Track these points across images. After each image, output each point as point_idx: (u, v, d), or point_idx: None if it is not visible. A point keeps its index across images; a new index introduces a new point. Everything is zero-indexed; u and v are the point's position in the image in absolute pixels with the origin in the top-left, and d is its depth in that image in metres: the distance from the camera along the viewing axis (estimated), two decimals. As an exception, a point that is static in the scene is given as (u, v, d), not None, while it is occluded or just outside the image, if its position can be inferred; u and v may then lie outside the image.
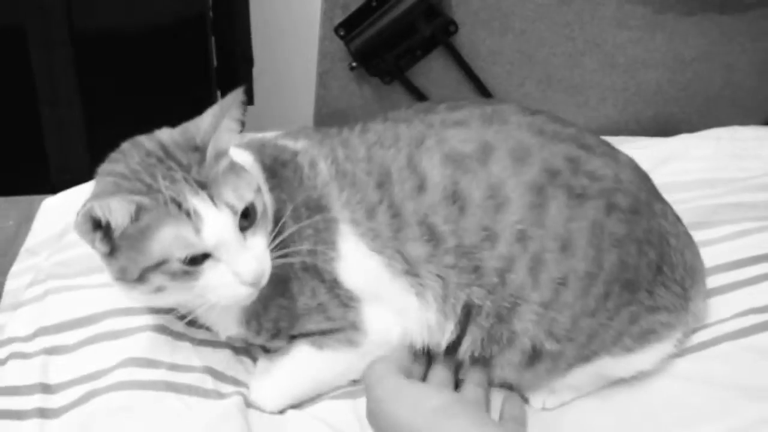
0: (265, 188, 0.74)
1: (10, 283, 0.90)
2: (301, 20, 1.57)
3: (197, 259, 0.66)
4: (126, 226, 0.65)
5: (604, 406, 0.78)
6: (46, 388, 0.76)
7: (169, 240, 0.65)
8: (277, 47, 1.74)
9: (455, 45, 1.18)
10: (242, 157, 0.76)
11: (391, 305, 0.75)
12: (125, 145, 0.71)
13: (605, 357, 0.75)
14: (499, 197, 0.71)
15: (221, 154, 0.69)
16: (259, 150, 0.79)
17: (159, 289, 0.68)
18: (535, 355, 0.73)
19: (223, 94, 1.63)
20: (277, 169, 0.77)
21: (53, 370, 0.77)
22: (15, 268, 0.92)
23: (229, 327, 0.78)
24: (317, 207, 0.75)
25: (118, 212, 0.65)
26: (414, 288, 0.74)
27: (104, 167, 0.70)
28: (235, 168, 0.70)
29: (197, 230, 0.65)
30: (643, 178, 0.78)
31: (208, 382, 0.77)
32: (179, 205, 0.65)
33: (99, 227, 0.66)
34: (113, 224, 0.65)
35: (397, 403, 0.69)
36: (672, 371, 0.80)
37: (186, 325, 0.81)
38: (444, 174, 0.72)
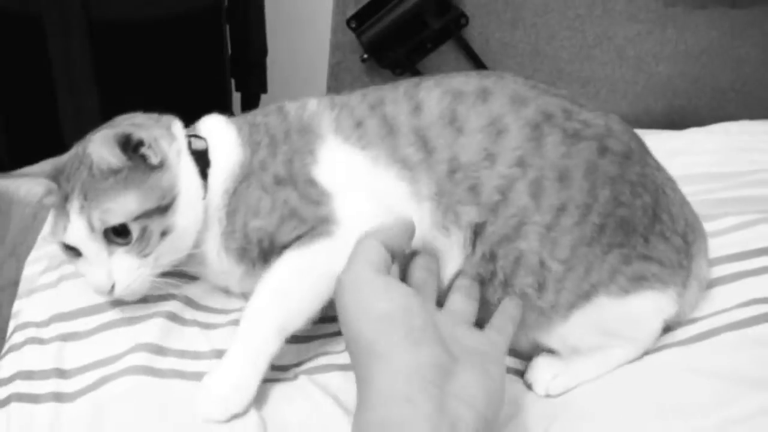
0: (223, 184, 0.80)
1: (27, 270, 0.92)
2: (314, 12, 1.59)
3: (73, 249, 0.77)
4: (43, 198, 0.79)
5: (604, 395, 0.78)
6: (61, 373, 0.78)
7: (54, 226, 0.78)
8: (290, 37, 1.76)
9: (466, 37, 1.19)
10: (228, 133, 0.82)
11: (372, 195, 0.77)
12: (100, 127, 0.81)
13: (602, 296, 0.76)
14: (499, 125, 0.75)
15: (108, 173, 0.75)
16: (244, 118, 0.84)
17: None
18: (540, 280, 0.75)
19: (237, 83, 1.66)
20: (257, 121, 0.82)
21: (68, 355, 0.79)
22: (32, 255, 0.94)
23: (232, 273, 0.82)
24: (300, 130, 0.80)
25: (37, 187, 0.79)
26: (404, 179, 0.76)
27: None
28: (121, 188, 0.76)
29: (65, 227, 0.76)
30: (634, 135, 0.81)
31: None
32: (66, 201, 0.76)
33: None
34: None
35: (353, 306, 0.65)
36: (674, 360, 0.80)
37: (194, 310, 0.84)
38: (442, 102, 0.77)
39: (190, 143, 0.81)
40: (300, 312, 0.76)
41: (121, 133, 0.74)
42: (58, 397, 0.76)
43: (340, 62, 1.23)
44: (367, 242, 0.69)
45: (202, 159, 0.81)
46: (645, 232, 0.76)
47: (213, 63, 1.59)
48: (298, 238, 0.77)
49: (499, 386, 0.66)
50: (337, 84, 1.25)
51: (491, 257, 0.76)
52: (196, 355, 0.80)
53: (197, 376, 0.77)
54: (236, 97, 1.68)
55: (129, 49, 1.45)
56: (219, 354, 0.79)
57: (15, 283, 0.91)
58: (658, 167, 0.81)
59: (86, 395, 0.76)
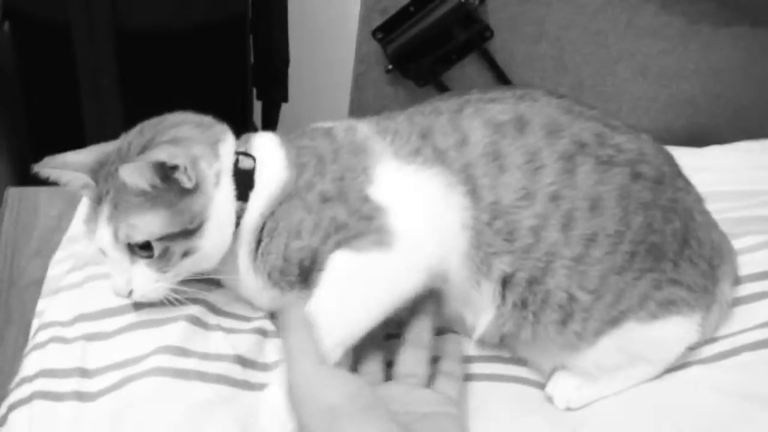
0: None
1: (52, 270, 0.93)
2: (338, 23, 1.60)
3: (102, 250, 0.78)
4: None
5: (623, 410, 0.79)
6: (83, 373, 0.79)
7: (88, 218, 0.79)
8: (312, 48, 1.77)
9: (490, 50, 1.20)
10: (277, 154, 0.80)
11: (427, 218, 0.75)
12: (152, 121, 0.82)
13: (632, 321, 0.76)
14: (536, 162, 0.74)
15: (139, 192, 0.75)
16: (291, 141, 0.82)
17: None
18: (568, 312, 0.75)
19: (259, 92, 1.67)
20: (304, 144, 0.80)
21: (91, 355, 0.80)
22: (57, 255, 0.95)
23: (262, 293, 0.81)
24: (351, 151, 0.78)
25: (74, 179, 0.80)
26: (456, 218, 0.75)
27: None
28: (149, 207, 0.75)
29: (95, 229, 0.77)
30: (667, 156, 0.81)
31: (237, 372, 0.79)
32: (98, 203, 0.77)
33: None
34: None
35: (303, 402, 0.66)
36: (693, 379, 0.81)
37: (218, 316, 0.84)
38: (485, 134, 0.76)
39: (237, 160, 0.80)
40: (358, 322, 0.73)
41: (155, 161, 0.73)
42: (81, 396, 0.77)
43: (365, 73, 1.24)
44: (299, 335, 0.70)
45: (246, 179, 0.79)
46: (675, 257, 0.76)
47: (236, 72, 1.60)
48: (345, 240, 0.74)
49: None
50: (360, 95, 1.26)
51: (522, 305, 0.76)
52: (218, 358, 0.80)
53: (218, 379, 0.78)
54: (257, 106, 1.69)
55: (153, 58, 1.46)
56: (241, 359, 0.80)
57: (39, 282, 0.92)
58: (688, 189, 0.81)
59: (108, 395, 0.77)
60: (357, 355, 0.76)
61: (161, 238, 0.75)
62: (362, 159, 0.77)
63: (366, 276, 0.74)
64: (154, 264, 0.77)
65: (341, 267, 0.74)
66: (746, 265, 0.89)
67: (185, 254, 0.77)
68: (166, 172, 0.74)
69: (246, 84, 1.64)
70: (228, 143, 0.81)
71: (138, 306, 0.83)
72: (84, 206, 0.85)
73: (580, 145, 0.75)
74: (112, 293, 0.80)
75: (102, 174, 0.78)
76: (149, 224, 0.75)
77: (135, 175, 0.74)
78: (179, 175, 0.75)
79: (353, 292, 0.74)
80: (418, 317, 0.78)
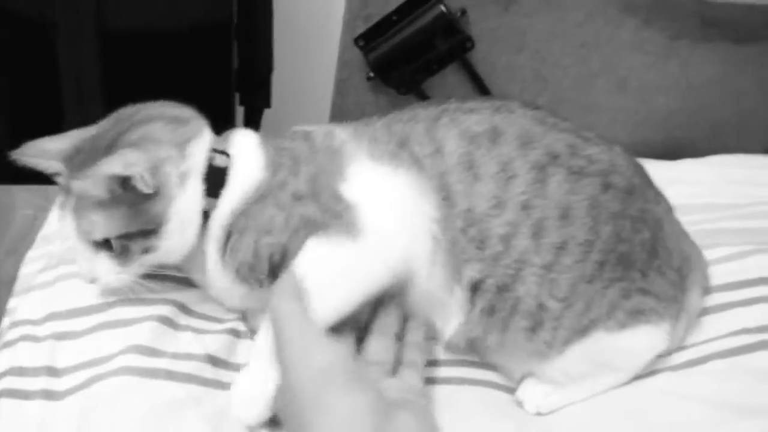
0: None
1: (25, 269, 0.92)
2: (322, 29, 1.60)
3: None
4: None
5: (593, 417, 0.79)
6: (52, 372, 0.78)
7: (59, 207, 0.80)
8: (296, 54, 1.77)
9: (471, 61, 1.20)
10: (255, 154, 0.80)
11: (397, 217, 0.76)
12: (128, 110, 0.83)
13: (600, 330, 0.77)
14: (509, 171, 0.75)
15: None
16: (270, 141, 0.82)
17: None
18: (538, 320, 0.76)
19: (242, 97, 1.67)
20: (284, 146, 0.80)
21: (60, 354, 0.80)
22: (30, 254, 0.94)
23: (232, 291, 0.81)
24: (327, 154, 0.79)
25: (50, 167, 0.81)
26: (426, 222, 0.76)
27: None
28: (108, 206, 0.76)
29: (62, 218, 0.78)
30: (638, 167, 0.82)
31: (208, 371, 0.79)
32: (66, 193, 0.78)
33: None
34: None
35: (295, 360, 0.68)
36: (662, 386, 0.82)
37: (188, 316, 0.84)
38: (460, 145, 0.77)
39: (211, 157, 0.79)
40: (323, 309, 0.73)
41: (109, 174, 0.74)
42: (49, 394, 0.76)
43: (346, 79, 1.25)
44: (294, 301, 0.71)
45: (219, 177, 0.79)
46: (643, 267, 0.77)
47: (219, 77, 1.60)
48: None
49: (431, 423, 0.68)
50: (342, 101, 1.26)
51: (490, 311, 0.77)
52: (188, 357, 0.80)
53: (188, 378, 0.78)
54: (240, 111, 1.69)
55: (137, 61, 1.46)
56: (212, 358, 0.80)
57: (12, 280, 0.92)
58: (658, 200, 0.82)
59: (75, 394, 0.76)
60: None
61: (119, 237, 0.76)
62: (337, 161, 0.78)
63: (333, 262, 0.74)
64: (115, 258, 0.78)
65: (311, 253, 0.74)
66: (716, 275, 0.90)
67: (145, 251, 0.78)
68: (121, 183, 0.75)
69: (229, 89, 1.63)
70: (202, 140, 0.80)
71: (108, 305, 0.83)
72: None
73: (552, 156, 0.76)
74: (88, 291, 0.81)
75: (75, 163, 0.78)
76: (106, 223, 0.76)
77: (89, 187, 0.75)
78: (136, 183, 0.75)
79: (321, 277, 0.73)
80: (385, 306, 0.78)
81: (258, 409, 0.74)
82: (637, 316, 0.77)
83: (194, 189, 0.78)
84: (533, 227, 0.74)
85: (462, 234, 0.75)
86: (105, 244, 0.77)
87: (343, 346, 0.71)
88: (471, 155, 0.76)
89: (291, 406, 0.67)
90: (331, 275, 0.74)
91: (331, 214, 0.75)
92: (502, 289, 0.75)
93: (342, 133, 0.81)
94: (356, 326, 0.77)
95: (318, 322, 0.71)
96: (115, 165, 0.73)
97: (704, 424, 0.78)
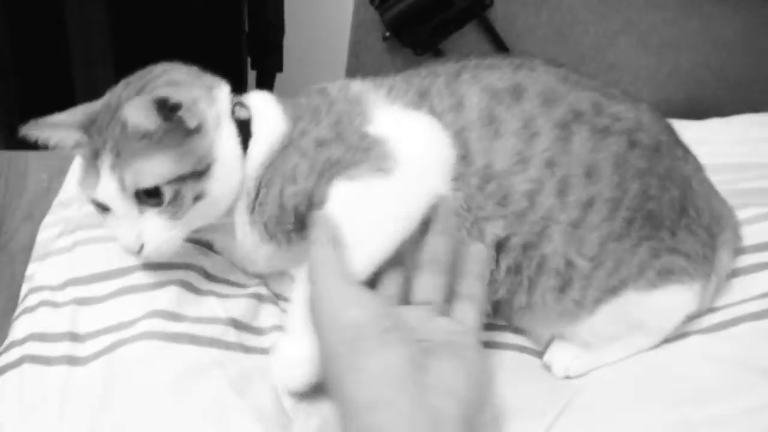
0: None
1: (42, 234, 0.91)
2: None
3: (102, 206, 0.75)
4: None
5: (621, 379, 0.79)
6: (74, 337, 0.77)
7: (85, 180, 0.75)
8: (308, 16, 1.75)
9: (489, 19, 1.18)
10: (273, 107, 0.79)
11: (429, 147, 0.74)
12: (136, 74, 0.79)
13: (631, 290, 0.76)
14: (531, 128, 0.74)
15: (139, 134, 0.72)
16: (285, 99, 0.81)
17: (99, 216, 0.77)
18: (566, 279, 0.75)
19: (253, 61, 1.65)
20: (300, 102, 0.78)
21: (82, 319, 0.79)
22: (47, 219, 0.93)
23: (259, 250, 0.79)
24: (346, 102, 0.77)
25: (67, 139, 0.76)
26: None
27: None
28: (155, 150, 0.72)
29: (95, 183, 0.73)
30: (665, 125, 0.80)
31: (231, 334, 0.78)
32: (96, 157, 0.73)
33: None
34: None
35: (326, 316, 0.65)
36: (693, 348, 0.81)
37: (210, 282, 0.83)
38: (481, 99, 0.75)
39: (233, 111, 0.78)
40: (367, 250, 0.71)
41: (158, 98, 0.70)
42: (71, 360, 0.76)
43: (361, 41, 1.23)
44: (333, 253, 0.68)
45: (244, 128, 0.77)
46: (672, 226, 0.76)
47: (230, 40, 1.58)
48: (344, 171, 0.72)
49: (477, 366, 0.65)
50: (357, 63, 1.24)
51: (516, 270, 0.75)
52: (211, 321, 0.79)
53: (211, 342, 0.77)
54: (252, 76, 1.67)
55: (147, 22, 1.44)
56: (235, 322, 0.79)
57: (29, 246, 0.91)
58: (686, 158, 0.81)
59: (99, 359, 0.75)
60: (373, 279, 0.73)
61: (171, 181, 0.72)
62: (359, 106, 0.76)
63: (368, 200, 0.72)
64: (166, 211, 0.73)
65: (342, 194, 0.71)
66: (746, 236, 0.89)
67: (197, 198, 0.74)
68: (167, 112, 0.71)
69: (240, 53, 1.62)
70: (223, 90, 0.79)
71: (129, 270, 0.82)
72: (76, 167, 0.84)
73: (575, 113, 0.75)
74: (119, 251, 0.77)
75: (95, 128, 0.75)
76: (158, 167, 0.72)
77: (140, 112, 0.70)
78: (183, 113, 0.71)
79: (357, 219, 0.71)
80: (434, 235, 0.72)
81: (299, 373, 0.72)
82: (667, 275, 0.76)
83: (229, 132, 0.76)
84: (558, 185, 0.73)
85: (478, 191, 0.73)
86: (152, 198, 0.72)
87: (379, 297, 0.68)
88: (492, 111, 0.74)
89: (326, 366, 0.65)
90: (367, 214, 0.71)
91: (359, 151, 0.72)
92: (528, 247, 0.74)
93: (358, 85, 0.79)
94: (402, 265, 0.73)
95: (357, 269, 0.69)
96: (161, 91, 0.72)
97: (733, 386, 0.77)
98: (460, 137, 0.74)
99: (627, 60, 1.21)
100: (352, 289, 0.66)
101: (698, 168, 0.82)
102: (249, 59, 1.65)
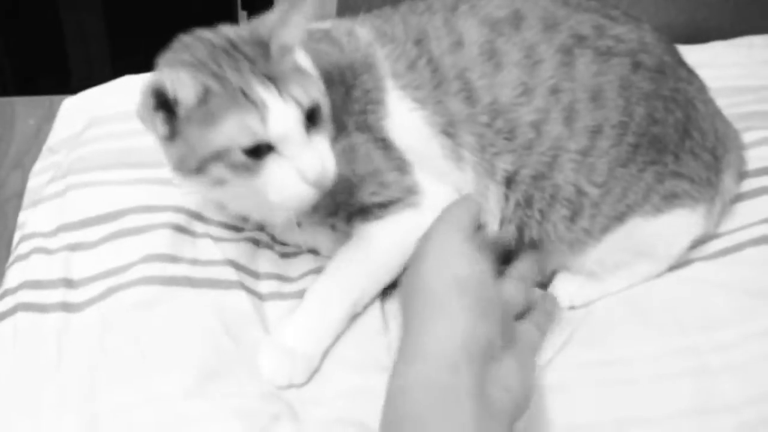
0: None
1: (32, 182, 0.90)
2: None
3: (260, 151, 0.64)
4: (192, 107, 0.64)
5: (627, 308, 0.77)
6: (69, 283, 0.76)
7: (234, 128, 0.64)
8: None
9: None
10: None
11: (432, 167, 0.75)
12: (186, 39, 0.69)
13: (637, 216, 0.75)
14: (534, 57, 0.73)
15: (287, 50, 0.67)
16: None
17: (218, 182, 0.67)
18: (577, 207, 0.74)
19: (243, 1, 1.62)
20: (311, 46, 0.73)
21: (76, 265, 0.78)
22: (37, 166, 0.92)
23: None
24: (364, 65, 0.74)
25: (187, 88, 0.63)
26: (451, 152, 0.74)
27: (166, 57, 0.68)
28: (301, 68, 0.68)
29: (263, 119, 0.64)
30: (668, 46, 0.79)
31: (230, 273, 0.77)
32: (246, 95, 0.64)
33: (162, 107, 0.65)
34: (180, 100, 0.64)
35: (434, 260, 0.65)
36: (697, 275, 0.79)
37: (205, 224, 0.81)
38: (481, 33, 0.74)
39: None
40: (378, 290, 0.76)
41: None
42: (66, 306, 0.75)
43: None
44: (462, 208, 0.71)
45: None
46: (676, 150, 0.75)
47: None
48: (380, 206, 0.74)
49: (532, 378, 0.64)
50: (347, 4, 1.21)
51: (527, 202, 0.75)
52: (209, 263, 0.78)
53: (209, 283, 0.76)
54: (242, 16, 1.64)
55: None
56: (233, 263, 0.78)
57: (20, 194, 0.90)
58: (690, 79, 0.79)
59: (95, 305, 0.75)
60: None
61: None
62: (376, 82, 0.74)
63: (398, 248, 0.73)
64: (323, 129, 0.68)
65: (375, 245, 0.75)
66: (751, 160, 0.87)
67: None
68: None
69: (234, 3, 1.59)
70: None
71: (121, 213, 0.80)
72: (66, 112, 0.80)
73: (578, 38, 0.74)
74: (92, 195, 0.75)
75: (222, 76, 0.65)
76: (313, 85, 0.67)
77: (296, 32, 0.67)
78: None
79: (383, 267, 0.75)
80: (524, 257, 0.76)
81: (301, 368, 0.71)
82: (672, 199, 0.75)
83: None
84: (564, 112, 0.72)
85: (488, 128, 0.73)
86: (311, 122, 0.66)
87: (493, 270, 0.66)
88: (493, 44, 0.74)
89: (406, 306, 0.64)
90: (398, 259, 0.74)
91: (392, 166, 0.74)
92: (538, 178, 0.73)
93: (364, 34, 0.77)
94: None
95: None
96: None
97: (738, 311, 0.75)
98: (462, 79, 0.73)
99: (626, -15, 1.17)
100: (468, 248, 0.66)
101: (702, 89, 0.80)
102: (245, 13, 1.62)
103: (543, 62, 0.73)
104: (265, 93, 0.64)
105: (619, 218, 0.75)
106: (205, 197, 0.81)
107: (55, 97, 0.89)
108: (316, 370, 0.72)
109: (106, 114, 0.92)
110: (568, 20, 0.74)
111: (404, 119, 0.74)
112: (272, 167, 0.65)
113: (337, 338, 0.73)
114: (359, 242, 0.75)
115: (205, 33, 0.69)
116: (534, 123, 0.72)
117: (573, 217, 0.75)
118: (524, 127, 0.73)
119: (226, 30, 0.69)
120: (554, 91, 0.72)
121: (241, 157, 0.64)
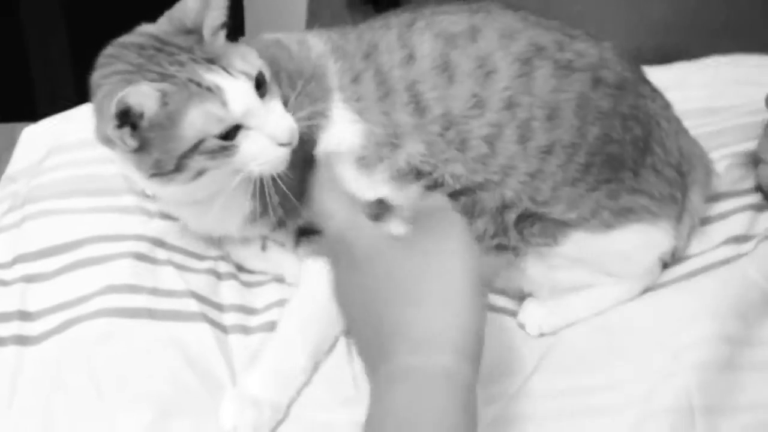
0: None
1: (-11, 211, 0.88)
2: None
3: (230, 133, 0.66)
4: (154, 113, 0.64)
5: (594, 334, 0.76)
6: (24, 316, 0.75)
7: (200, 119, 0.64)
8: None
9: (451, -29, 1.14)
10: None
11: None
12: (111, 50, 0.69)
13: (581, 231, 0.74)
14: (487, 66, 0.72)
15: (216, 30, 0.68)
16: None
17: (199, 173, 0.67)
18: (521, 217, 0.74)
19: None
20: (262, 51, 0.72)
21: (32, 297, 0.76)
22: (-6, 196, 0.90)
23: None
24: (313, 75, 0.74)
25: (149, 98, 0.63)
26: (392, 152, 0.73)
27: (99, 73, 0.68)
28: (233, 44, 0.69)
29: (223, 103, 0.65)
30: (630, 62, 0.78)
31: (194, 305, 0.75)
32: (198, 84, 0.65)
33: (125, 122, 0.64)
34: (146, 112, 0.63)
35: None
36: (663, 298, 0.79)
37: (167, 250, 0.80)
38: (434, 47, 0.73)
39: None
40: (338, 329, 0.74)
41: None
42: (22, 340, 0.73)
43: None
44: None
45: None
46: (635, 166, 0.75)
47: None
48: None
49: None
50: (316, 21, 1.20)
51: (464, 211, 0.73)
52: (170, 294, 0.76)
53: (170, 315, 0.74)
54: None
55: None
56: (195, 295, 0.76)
57: (-22, 224, 0.87)
58: (653, 96, 0.79)
59: (52, 338, 0.73)
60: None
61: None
62: (324, 92, 0.74)
63: None
64: (272, 92, 0.69)
65: (318, 289, 0.69)
66: (719, 180, 0.86)
67: None
68: None
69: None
70: None
71: (79, 243, 0.79)
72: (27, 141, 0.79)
73: (537, 48, 0.73)
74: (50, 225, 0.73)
75: (167, 74, 0.65)
76: (248, 55, 0.68)
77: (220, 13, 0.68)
78: None
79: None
80: None
81: (267, 418, 0.68)
82: (626, 214, 0.75)
83: None
84: (520, 129, 0.71)
85: (440, 138, 0.72)
86: (260, 91, 0.68)
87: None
88: (446, 56, 0.73)
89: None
90: None
91: None
92: (485, 187, 0.73)
93: (318, 44, 0.76)
94: None
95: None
96: None
97: (707, 336, 0.73)
98: (411, 91, 0.72)
99: (596, 10, 1.17)
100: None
101: (666, 107, 0.80)
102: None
103: (497, 72, 0.72)
104: (214, 77, 0.65)
105: (560, 234, 0.74)
106: (179, 202, 0.76)
107: (17, 125, 0.87)
108: (282, 421, 0.69)
109: (66, 142, 0.91)
110: (526, 31, 0.74)
111: (345, 132, 0.73)
112: (246, 142, 0.66)
113: (305, 384, 0.71)
114: (306, 282, 0.74)
115: (126, 38, 0.69)
116: (487, 137, 0.72)
117: (504, 230, 0.74)
118: (477, 140, 0.72)
119: (146, 28, 0.69)
120: (510, 105, 0.71)
121: (216, 142, 0.65)
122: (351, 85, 0.74)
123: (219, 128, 0.65)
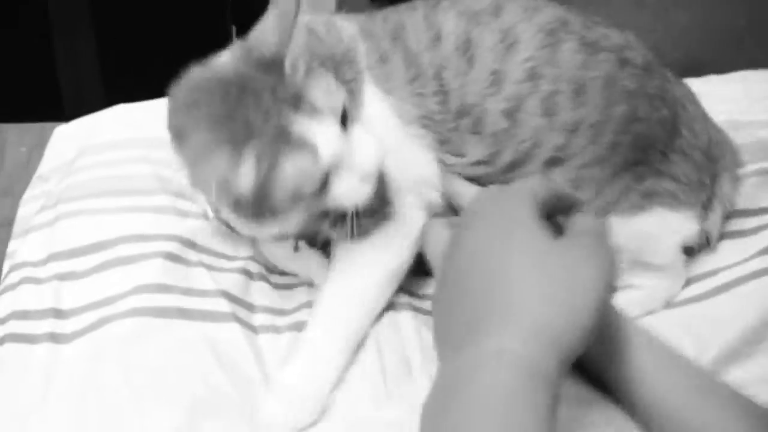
0: None
1: (22, 210, 0.89)
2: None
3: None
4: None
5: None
6: (58, 314, 0.75)
7: (294, 175, 0.62)
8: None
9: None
10: None
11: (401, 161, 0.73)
12: (190, 83, 0.66)
13: (612, 217, 0.73)
14: (510, 38, 0.71)
15: (298, 62, 0.64)
16: None
17: (297, 225, 0.68)
18: None
19: (238, 30, 1.63)
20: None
21: (65, 295, 0.76)
22: (27, 194, 0.91)
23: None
24: (345, 57, 0.72)
25: (247, 176, 0.61)
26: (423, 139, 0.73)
27: (184, 115, 0.65)
28: (311, 69, 0.65)
29: (314, 156, 0.62)
30: (653, 54, 0.78)
31: (225, 306, 0.76)
32: (287, 135, 0.62)
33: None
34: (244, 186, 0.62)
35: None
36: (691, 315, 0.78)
37: (198, 252, 0.80)
38: (458, 24, 0.73)
39: None
40: (374, 314, 0.74)
41: None
42: (55, 337, 0.73)
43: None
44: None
45: None
46: (664, 148, 0.74)
47: (214, 7, 1.56)
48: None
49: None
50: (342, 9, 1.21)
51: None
52: (202, 294, 0.76)
53: (201, 315, 0.75)
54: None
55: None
56: (226, 294, 0.77)
57: (10, 222, 0.88)
58: (677, 82, 0.79)
59: (84, 336, 0.73)
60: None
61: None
62: (353, 71, 0.72)
63: (383, 268, 0.74)
64: (352, 116, 0.68)
65: (359, 270, 0.73)
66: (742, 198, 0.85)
67: None
68: None
69: (225, 20, 1.59)
70: None
71: (112, 243, 0.79)
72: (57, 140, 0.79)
73: (562, 21, 0.73)
74: (83, 225, 0.74)
75: (254, 128, 0.62)
76: (326, 74, 0.67)
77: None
78: None
79: (370, 291, 0.74)
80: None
81: (309, 409, 0.68)
82: (650, 197, 0.74)
83: None
84: (545, 102, 0.71)
85: (454, 129, 0.72)
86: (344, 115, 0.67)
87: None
88: (469, 34, 0.72)
89: None
90: (386, 279, 0.75)
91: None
92: (515, 165, 0.73)
93: (347, 27, 0.76)
94: None
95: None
96: None
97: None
98: (438, 78, 0.72)
99: (622, 19, 1.16)
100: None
101: (690, 94, 0.80)
102: (234, 28, 1.62)
103: (519, 42, 0.71)
104: (301, 126, 0.62)
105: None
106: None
107: (47, 125, 0.88)
108: (323, 410, 0.69)
109: (98, 142, 0.92)
110: (551, 8, 0.74)
111: (375, 109, 0.71)
112: (335, 184, 0.65)
113: (340, 377, 0.71)
114: (344, 269, 0.74)
115: (205, 74, 0.66)
116: (506, 111, 0.71)
117: None
118: (494, 115, 0.71)
119: (224, 65, 0.66)
120: (533, 76, 0.71)
121: (311, 195, 0.64)
122: (378, 65, 0.73)
123: (312, 186, 0.63)
